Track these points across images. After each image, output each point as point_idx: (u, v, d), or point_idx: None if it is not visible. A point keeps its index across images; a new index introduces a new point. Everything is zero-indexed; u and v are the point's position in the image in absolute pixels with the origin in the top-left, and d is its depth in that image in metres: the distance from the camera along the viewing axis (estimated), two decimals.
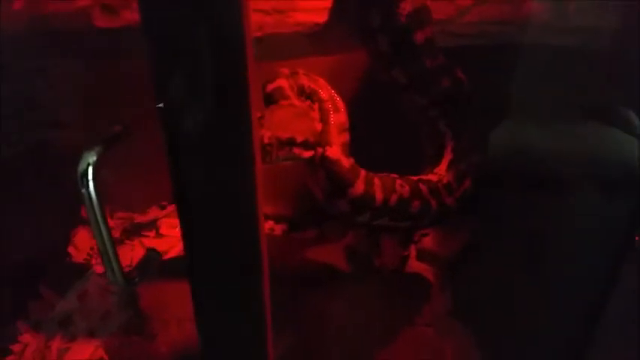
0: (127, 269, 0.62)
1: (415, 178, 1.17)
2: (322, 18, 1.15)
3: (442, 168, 1.20)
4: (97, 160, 0.58)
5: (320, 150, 1.06)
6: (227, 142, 0.64)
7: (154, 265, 0.66)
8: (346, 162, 1.08)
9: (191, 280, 0.73)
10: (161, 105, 0.61)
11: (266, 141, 0.91)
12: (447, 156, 1.20)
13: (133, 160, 1.27)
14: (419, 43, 1.08)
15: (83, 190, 0.57)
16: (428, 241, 1.67)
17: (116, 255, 0.62)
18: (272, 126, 0.95)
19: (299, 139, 0.97)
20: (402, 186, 1.12)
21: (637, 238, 1.07)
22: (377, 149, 1.17)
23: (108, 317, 1.48)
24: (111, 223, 1.73)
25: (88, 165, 0.57)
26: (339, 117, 1.09)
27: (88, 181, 0.57)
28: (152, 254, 0.70)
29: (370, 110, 1.17)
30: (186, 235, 0.69)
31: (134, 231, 1.71)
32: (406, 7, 1.04)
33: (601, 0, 1.13)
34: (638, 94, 1.20)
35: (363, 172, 1.10)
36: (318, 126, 1.06)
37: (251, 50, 0.63)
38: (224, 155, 0.65)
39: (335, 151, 1.06)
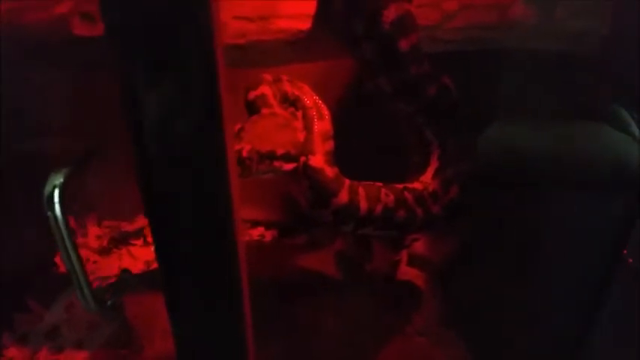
0: (113, 279, 0.60)
1: (401, 186, 1.15)
2: (306, 25, 1.13)
3: (428, 176, 1.18)
4: (65, 182, 0.56)
5: (303, 159, 1.04)
6: (200, 157, 0.62)
7: (128, 287, 0.64)
8: (330, 171, 1.06)
9: (166, 295, 0.71)
10: None
11: (245, 155, 0.90)
12: (433, 164, 1.18)
13: (121, 168, 1.25)
14: (404, 51, 1.06)
15: (49, 214, 0.54)
16: (419, 246, 1.66)
17: (86, 278, 0.60)
18: (252, 138, 0.93)
19: (279, 151, 0.95)
20: (387, 195, 1.11)
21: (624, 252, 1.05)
22: (362, 157, 1.15)
23: (96, 328, 1.47)
24: (98, 231, 1.72)
25: (54, 187, 0.55)
26: (323, 125, 1.07)
27: (54, 204, 0.54)
28: (125, 276, 0.68)
29: (355, 118, 1.15)
30: (160, 251, 0.67)
31: (121, 239, 1.69)
32: (389, 15, 1.02)
33: (586, 5, 1.11)
34: (628, 94, 1.19)
35: (347, 182, 1.08)
36: (301, 135, 1.05)
37: (222, 63, 0.61)
38: (198, 169, 0.63)
39: (318, 160, 1.04)
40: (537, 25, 1.15)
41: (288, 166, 0.98)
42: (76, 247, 0.58)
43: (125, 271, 0.65)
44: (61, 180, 0.55)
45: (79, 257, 0.59)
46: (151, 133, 0.58)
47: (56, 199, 0.55)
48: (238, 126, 0.96)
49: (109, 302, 0.64)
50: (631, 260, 1.05)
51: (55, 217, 0.55)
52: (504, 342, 1.35)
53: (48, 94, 1.32)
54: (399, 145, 1.26)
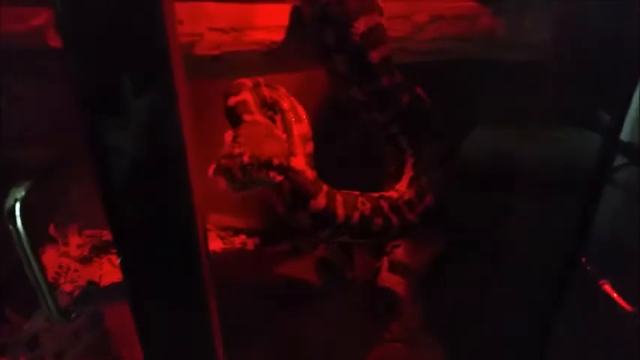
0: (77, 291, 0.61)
1: (376, 195, 1.17)
2: (279, 36, 1.15)
3: (403, 184, 1.20)
4: (26, 196, 0.57)
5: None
6: (161, 178, 0.63)
7: (93, 299, 0.64)
8: (310, 174, 1.06)
9: (131, 305, 0.71)
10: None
11: (247, 160, 0.87)
12: (408, 172, 1.20)
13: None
14: (374, 62, 1.07)
15: (11, 228, 0.55)
16: (400, 253, 1.68)
17: (51, 291, 0.61)
18: (250, 144, 0.90)
19: (275, 161, 0.93)
20: (363, 204, 1.12)
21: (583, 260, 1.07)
22: (339, 167, 1.16)
23: (75, 338, 1.46)
24: (80, 240, 1.72)
25: (16, 201, 0.55)
26: (301, 127, 1.08)
27: (15, 218, 0.55)
28: (90, 288, 0.69)
29: (330, 128, 1.16)
30: (125, 263, 0.68)
31: (103, 248, 1.69)
32: (359, 27, 1.03)
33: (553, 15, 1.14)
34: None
35: (325, 187, 1.08)
36: (284, 140, 1.05)
37: (183, 82, 0.62)
38: (160, 183, 0.64)
39: (300, 162, 1.04)
40: (506, 36, 1.18)
41: (279, 178, 0.95)
42: (39, 259, 0.59)
43: (91, 283, 0.66)
44: (23, 193, 0.56)
45: (42, 270, 0.60)
46: (110, 154, 0.59)
47: (17, 212, 0.56)
48: (230, 133, 0.95)
49: (73, 314, 0.64)
50: (589, 268, 1.07)
51: (17, 230, 0.56)
52: (482, 346, 1.37)
53: (24, 103, 1.32)
54: (375, 154, 1.27)
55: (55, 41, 1.15)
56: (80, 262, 1.63)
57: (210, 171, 0.87)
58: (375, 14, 1.06)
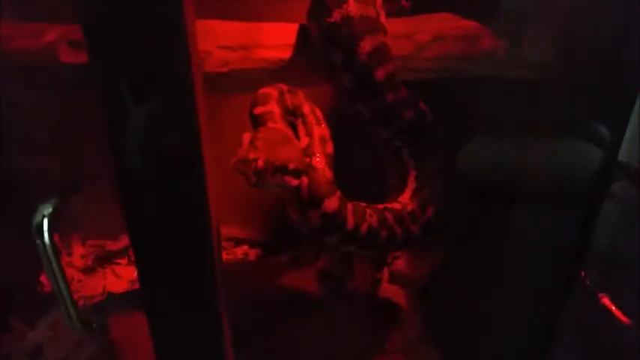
0: (98, 298, 0.62)
1: (381, 206, 1.19)
2: (287, 54, 1.18)
3: (406, 197, 1.22)
4: (53, 212, 0.59)
5: (307, 160, 1.07)
6: (181, 177, 0.65)
7: (112, 309, 0.67)
8: (328, 174, 1.09)
9: (147, 313, 0.73)
10: None
11: (261, 165, 0.90)
12: (411, 185, 1.22)
13: (105, 188, 1.28)
14: (380, 80, 1.11)
15: (38, 241, 0.58)
16: (400, 264, 1.70)
17: (73, 302, 0.63)
18: (266, 149, 0.94)
19: (291, 166, 0.96)
20: (370, 215, 1.14)
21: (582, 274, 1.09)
22: (343, 179, 1.19)
23: (80, 347, 1.47)
24: (83, 250, 1.73)
25: (44, 217, 0.58)
26: (321, 129, 1.12)
27: (42, 232, 0.58)
28: (110, 299, 0.71)
29: (336, 141, 1.19)
30: (142, 269, 0.70)
31: (106, 259, 1.70)
32: (365, 47, 1.07)
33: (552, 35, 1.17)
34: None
35: (338, 192, 1.10)
36: (305, 141, 1.09)
37: (201, 89, 0.65)
38: (178, 189, 0.66)
39: (320, 161, 1.08)
40: (506, 55, 1.21)
41: (295, 182, 0.99)
42: (63, 272, 0.61)
43: (110, 294, 0.68)
44: (50, 210, 0.59)
45: (66, 282, 0.62)
46: (132, 155, 0.62)
47: (45, 227, 0.58)
48: (248, 135, 0.98)
49: (94, 324, 0.66)
50: (588, 282, 1.09)
51: (44, 245, 0.59)
52: (483, 357, 1.39)
53: (35, 117, 1.35)
54: (378, 167, 1.30)
55: (66, 57, 1.17)
56: (84, 273, 1.64)
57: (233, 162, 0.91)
58: (380, 34, 1.10)
